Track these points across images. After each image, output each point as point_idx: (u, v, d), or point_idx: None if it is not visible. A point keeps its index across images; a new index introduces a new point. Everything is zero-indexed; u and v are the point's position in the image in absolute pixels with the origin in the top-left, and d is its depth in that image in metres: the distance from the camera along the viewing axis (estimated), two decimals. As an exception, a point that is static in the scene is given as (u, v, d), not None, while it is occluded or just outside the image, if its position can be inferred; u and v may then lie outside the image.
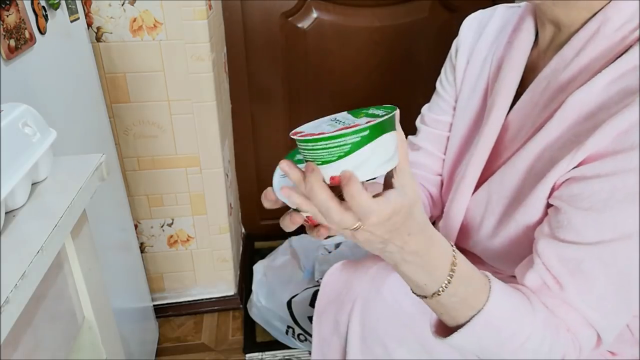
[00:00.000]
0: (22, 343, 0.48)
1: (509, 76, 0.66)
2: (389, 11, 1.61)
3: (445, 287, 0.51)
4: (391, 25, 1.62)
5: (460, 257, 0.52)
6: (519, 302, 0.55)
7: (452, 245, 0.52)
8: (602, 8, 0.55)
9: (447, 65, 0.80)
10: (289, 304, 1.42)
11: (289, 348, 1.44)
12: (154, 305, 1.49)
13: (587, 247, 0.52)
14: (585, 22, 0.56)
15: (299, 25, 1.60)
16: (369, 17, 1.61)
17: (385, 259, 0.50)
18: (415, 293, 0.55)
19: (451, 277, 0.50)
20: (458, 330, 0.53)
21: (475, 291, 0.53)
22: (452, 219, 0.72)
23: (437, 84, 0.82)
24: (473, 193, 0.69)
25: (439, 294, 0.51)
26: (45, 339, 0.53)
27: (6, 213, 0.49)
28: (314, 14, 1.59)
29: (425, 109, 0.84)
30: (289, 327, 1.41)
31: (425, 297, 0.53)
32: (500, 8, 0.75)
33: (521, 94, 0.64)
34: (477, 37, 0.75)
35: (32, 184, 0.55)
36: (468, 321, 0.53)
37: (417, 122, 0.85)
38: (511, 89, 0.65)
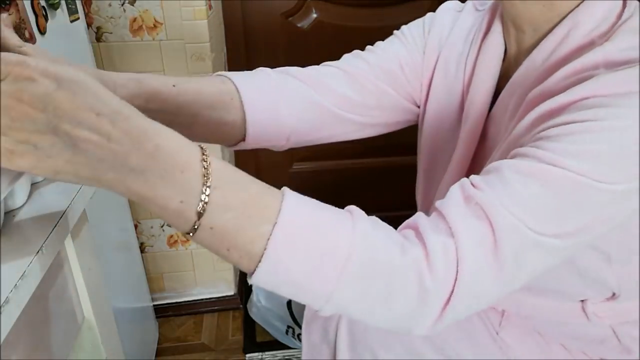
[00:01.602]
0: (22, 343, 0.48)
1: (482, 84, 0.64)
2: (389, 11, 1.61)
3: (207, 197, 0.37)
4: (391, 25, 1.61)
5: (215, 158, 0.40)
6: (327, 208, 0.43)
7: (199, 147, 0.40)
8: (571, 11, 0.53)
9: (414, 28, 0.74)
10: (289, 304, 1.42)
11: (289, 348, 1.43)
12: (154, 305, 1.49)
13: (511, 160, 0.46)
14: (554, 27, 0.55)
15: (299, 25, 1.60)
16: (369, 17, 1.61)
17: (102, 179, 0.35)
18: (186, 235, 0.39)
19: (208, 179, 0.38)
20: (260, 260, 0.40)
21: (259, 198, 0.40)
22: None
23: (397, 33, 0.75)
24: None
25: (207, 213, 0.38)
26: (45, 339, 0.53)
27: (6, 213, 0.49)
28: (314, 14, 1.59)
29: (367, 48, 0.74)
30: (289, 327, 1.41)
31: (196, 229, 0.38)
32: (469, 5, 0.71)
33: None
34: (450, 27, 0.71)
35: (32, 184, 0.55)
36: (266, 246, 0.39)
37: (346, 55, 0.74)
38: (485, 97, 0.63)
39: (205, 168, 0.38)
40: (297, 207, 0.42)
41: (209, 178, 0.38)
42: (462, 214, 0.45)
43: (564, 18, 0.54)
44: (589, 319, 0.63)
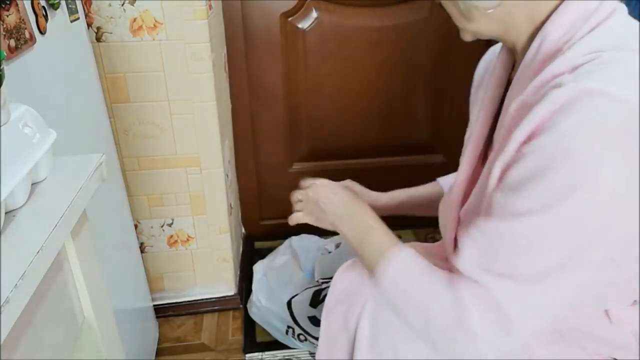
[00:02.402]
0: (22, 343, 0.48)
1: (489, 92, 0.68)
2: (389, 11, 1.61)
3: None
4: (392, 25, 1.62)
5: (381, 225, 0.73)
6: (432, 267, 0.63)
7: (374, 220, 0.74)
8: (544, 21, 0.56)
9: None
10: (289, 304, 1.42)
11: (289, 348, 1.44)
12: (154, 305, 1.49)
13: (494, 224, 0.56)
14: (531, 40, 0.58)
15: (299, 25, 1.60)
16: (369, 17, 1.61)
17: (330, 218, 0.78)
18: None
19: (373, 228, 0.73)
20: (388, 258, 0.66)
21: (390, 240, 0.69)
22: (447, 233, 0.72)
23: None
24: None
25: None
26: (45, 339, 0.53)
27: (6, 213, 0.49)
28: (314, 14, 1.59)
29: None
30: (289, 327, 1.41)
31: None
32: None
33: None
34: (487, 68, 0.78)
35: (32, 184, 0.55)
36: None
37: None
38: (491, 103, 0.68)
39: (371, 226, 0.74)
40: (409, 251, 0.67)
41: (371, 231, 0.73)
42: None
43: (538, 30, 0.57)
44: (611, 321, 0.63)
